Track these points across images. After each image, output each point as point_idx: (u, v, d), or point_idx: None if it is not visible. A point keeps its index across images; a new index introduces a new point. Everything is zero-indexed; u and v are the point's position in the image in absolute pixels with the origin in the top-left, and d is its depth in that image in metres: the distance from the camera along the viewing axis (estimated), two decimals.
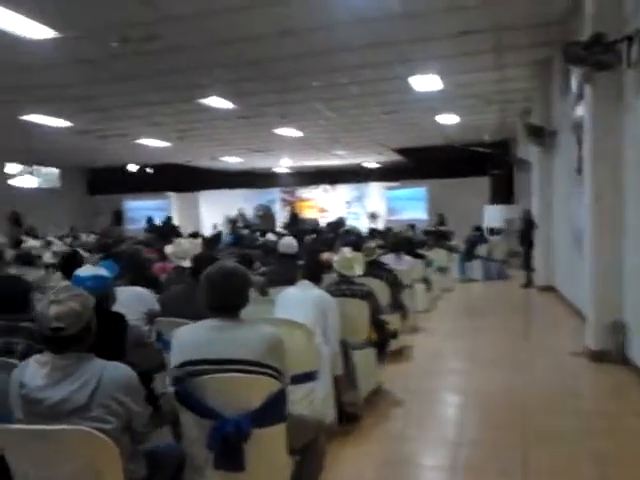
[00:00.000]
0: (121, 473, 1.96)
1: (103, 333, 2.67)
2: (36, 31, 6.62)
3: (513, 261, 12.66)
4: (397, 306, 5.93)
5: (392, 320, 5.76)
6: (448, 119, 13.31)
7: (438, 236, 11.86)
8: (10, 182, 19.86)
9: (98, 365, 2.05)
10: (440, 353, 6.31)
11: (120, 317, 2.86)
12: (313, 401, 3.62)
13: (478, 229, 13.29)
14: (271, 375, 2.40)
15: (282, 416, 2.45)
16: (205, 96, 10.64)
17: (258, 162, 20.78)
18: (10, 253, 7.79)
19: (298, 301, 3.84)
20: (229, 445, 2.29)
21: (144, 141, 15.38)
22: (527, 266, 10.72)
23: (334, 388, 3.92)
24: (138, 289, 4.01)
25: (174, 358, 2.44)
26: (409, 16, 6.69)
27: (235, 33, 7.18)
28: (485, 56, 8.41)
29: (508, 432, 3.96)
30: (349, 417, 4.07)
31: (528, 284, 10.56)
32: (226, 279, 2.43)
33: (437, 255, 10.45)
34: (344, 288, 4.63)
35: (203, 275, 2.47)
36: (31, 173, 20.81)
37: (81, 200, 22.31)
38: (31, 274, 5.54)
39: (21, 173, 20.49)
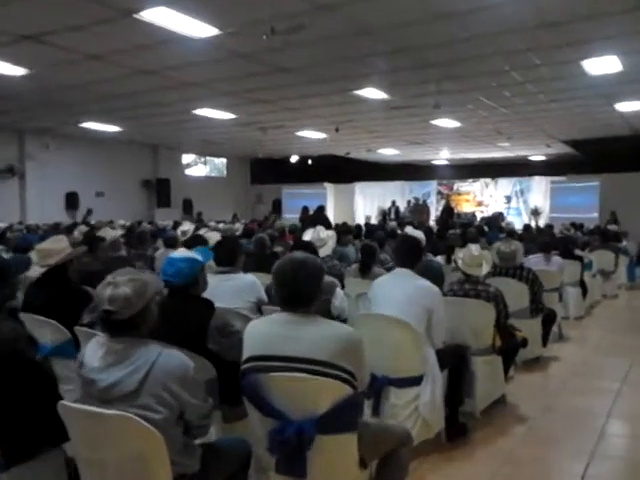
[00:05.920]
0: (169, 465, 1.90)
1: (186, 318, 2.71)
2: (199, 29, 7.07)
3: None
4: (537, 310, 5.37)
5: (531, 325, 5.28)
6: (630, 106, 11.90)
7: (605, 236, 10.62)
8: (186, 171, 21.71)
9: (153, 352, 1.98)
10: (586, 368, 5.51)
11: (208, 303, 2.81)
12: (418, 407, 3.38)
13: None
14: (343, 379, 2.20)
15: (352, 424, 2.24)
16: (359, 87, 10.58)
17: (415, 154, 20.35)
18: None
19: (396, 293, 3.47)
20: (290, 449, 2.15)
21: (302, 133, 15.81)
22: None
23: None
24: (250, 277, 3.99)
25: (245, 351, 2.34)
26: None
27: (387, 20, 6.92)
28: None
29: None
30: (460, 428, 3.74)
31: None
32: (295, 271, 2.26)
33: (601, 257, 9.43)
34: (468, 288, 4.27)
35: (274, 267, 2.34)
36: (204, 163, 22.57)
37: (244, 189, 23.64)
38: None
39: (195, 162, 22.29)
